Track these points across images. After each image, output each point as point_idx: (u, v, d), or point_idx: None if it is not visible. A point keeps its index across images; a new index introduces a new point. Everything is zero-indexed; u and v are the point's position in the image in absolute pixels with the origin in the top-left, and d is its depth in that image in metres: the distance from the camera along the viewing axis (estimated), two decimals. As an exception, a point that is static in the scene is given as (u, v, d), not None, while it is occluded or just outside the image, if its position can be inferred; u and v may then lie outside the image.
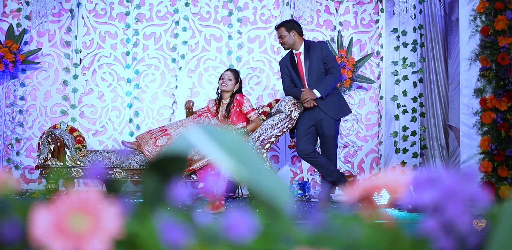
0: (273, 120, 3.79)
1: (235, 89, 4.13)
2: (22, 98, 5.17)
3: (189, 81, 5.34)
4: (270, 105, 4.31)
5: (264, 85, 5.38)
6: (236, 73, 4.19)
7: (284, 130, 3.80)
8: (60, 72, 5.26)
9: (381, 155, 5.37)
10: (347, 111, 4.13)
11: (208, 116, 3.99)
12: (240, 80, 4.23)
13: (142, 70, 5.32)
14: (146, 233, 0.49)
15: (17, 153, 5.10)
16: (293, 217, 0.58)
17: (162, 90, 5.32)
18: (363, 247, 0.54)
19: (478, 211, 0.59)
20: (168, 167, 0.59)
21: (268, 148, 3.80)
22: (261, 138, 3.78)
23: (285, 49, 4.21)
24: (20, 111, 5.15)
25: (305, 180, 5.26)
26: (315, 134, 3.96)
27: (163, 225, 0.49)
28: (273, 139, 3.79)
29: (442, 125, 5.41)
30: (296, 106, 3.82)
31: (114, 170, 3.60)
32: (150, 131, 3.91)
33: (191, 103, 4.19)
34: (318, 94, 3.88)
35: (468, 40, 3.78)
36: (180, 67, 5.32)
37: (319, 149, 4.06)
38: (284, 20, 4.53)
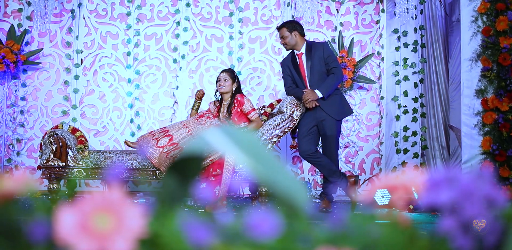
0: (275, 121, 3.79)
1: (234, 88, 4.12)
2: (23, 98, 5.17)
3: (190, 82, 5.35)
4: (271, 105, 4.31)
5: (265, 86, 5.39)
6: (231, 73, 4.18)
7: (286, 130, 3.80)
8: (61, 72, 5.27)
9: (382, 155, 5.37)
10: (349, 111, 4.15)
11: (210, 117, 3.99)
12: (237, 78, 4.21)
13: (143, 70, 5.32)
14: (169, 233, 0.49)
15: (18, 153, 5.10)
16: (311, 217, 0.59)
17: (163, 91, 5.33)
18: (382, 247, 0.55)
19: (494, 211, 0.59)
20: (187, 168, 0.59)
21: (269, 149, 3.80)
22: (262, 138, 3.78)
23: (287, 49, 4.22)
24: (21, 112, 5.15)
25: (306, 180, 5.27)
26: (317, 134, 3.96)
27: (186, 224, 0.50)
28: (274, 139, 3.79)
29: (442, 125, 5.42)
30: (298, 107, 3.82)
31: (116, 170, 3.60)
32: (151, 132, 3.91)
33: (202, 92, 4.18)
34: (319, 95, 3.88)
35: (469, 40, 3.79)
36: (181, 68, 5.32)
37: (321, 149, 4.06)
38: (285, 20, 4.53)
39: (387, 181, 0.66)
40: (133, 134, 5.23)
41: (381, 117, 5.42)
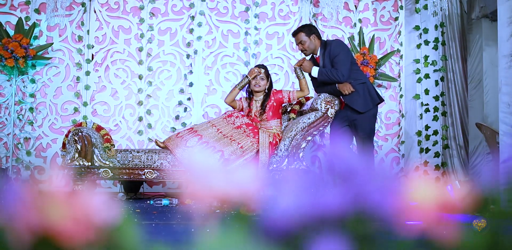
0: (309, 118, 3.65)
1: (266, 87, 4.01)
2: (32, 95, 4.93)
3: (205, 79, 5.17)
4: (299, 103, 4.16)
5: (283, 83, 5.24)
6: (267, 71, 4.05)
7: (321, 128, 3.66)
8: (72, 68, 5.04)
9: (403, 155, 5.27)
10: (376, 100, 3.79)
11: (239, 116, 3.84)
12: (270, 77, 4.10)
13: (157, 66, 5.13)
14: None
15: (27, 153, 4.85)
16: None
17: (178, 88, 5.14)
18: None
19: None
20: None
21: (304, 147, 3.66)
22: (297, 137, 3.64)
23: (306, 55, 3.97)
24: (31, 109, 4.91)
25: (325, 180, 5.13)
26: (350, 133, 3.82)
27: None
28: (309, 138, 3.65)
29: (460, 124, 5.34)
30: (332, 104, 3.68)
31: (145, 170, 3.41)
32: (178, 133, 3.75)
33: (260, 71, 3.95)
34: (314, 70, 3.75)
35: (509, 37, 3.69)
36: (196, 64, 5.14)
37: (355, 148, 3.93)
38: (300, 25, 4.29)
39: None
40: (141, 133, 5.03)
41: (402, 116, 5.31)
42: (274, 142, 3.65)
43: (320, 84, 3.87)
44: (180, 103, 5.10)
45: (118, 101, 5.07)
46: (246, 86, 4.07)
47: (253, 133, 3.65)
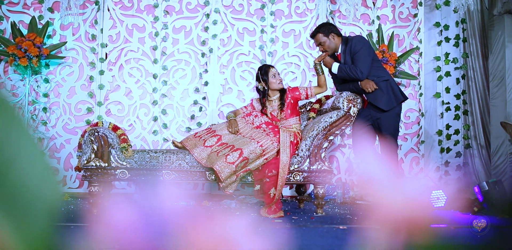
0: (331, 118, 3.53)
1: None
2: (45, 95, 4.86)
3: (221, 77, 5.07)
4: (319, 101, 4.05)
5: (299, 82, 5.13)
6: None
7: (343, 127, 3.55)
8: (85, 67, 4.97)
9: (423, 154, 5.14)
10: (400, 98, 3.66)
11: (258, 116, 3.73)
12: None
13: (172, 65, 5.04)
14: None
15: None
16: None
17: (193, 87, 5.04)
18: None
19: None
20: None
21: (326, 147, 3.54)
22: (318, 136, 3.53)
23: (329, 55, 3.83)
24: (44, 109, 4.84)
25: (343, 180, 5.02)
26: (373, 133, 3.71)
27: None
28: (331, 138, 3.54)
29: (481, 123, 5.20)
30: (354, 102, 3.57)
31: (163, 171, 3.32)
32: (196, 133, 3.65)
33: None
34: (335, 66, 3.64)
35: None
36: (211, 63, 5.05)
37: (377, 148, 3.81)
38: (317, 25, 4.12)
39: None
40: (156, 133, 4.95)
41: (422, 115, 5.18)
42: (295, 141, 3.54)
43: (342, 82, 3.75)
44: (195, 102, 5.01)
45: (133, 101, 4.99)
46: (259, 87, 3.90)
47: (274, 132, 3.55)
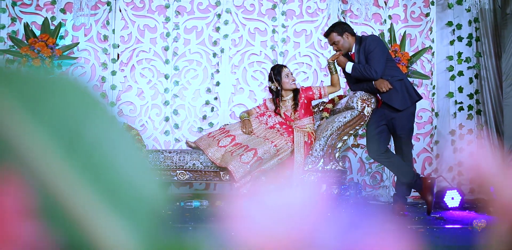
0: (345, 117, 3.52)
1: None
2: (58, 95, 4.88)
3: (232, 78, 5.07)
4: (332, 101, 4.04)
5: (311, 82, 5.12)
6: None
7: (357, 127, 3.54)
8: (97, 68, 4.98)
9: (438, 155, 5.11)
10: (414, 97, 3.64)
11: (271, 116, 3.73)
12: None
13: (183, 66, 5.05)
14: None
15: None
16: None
17: (204, 87, 5.04)
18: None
19: None
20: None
21: (340, 147, 3.53)
22: (332, 136, 3.52)
23: (342, 55, 3.81)
24: (57, 110, 4.86)
25: (355, 181, 5.00)
26: (387, 133, 3.68)
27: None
28: (345, 138, 3.53)
29: (494, 123, 5.17)
30: (369, 102, 3.55)
31: (177, 171, 3.32)
32: (209, 133, 3.65)
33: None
34: (349, 65, 3.62)
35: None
36: (223, 63, 5.05)
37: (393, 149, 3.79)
38: (331, 25, 4.11)
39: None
40: (168, 133, 4.95)
41: (436, 115, 5.15)
42: (309, 141, 3.53)
43: (355, 82, 3.73)
44: (207, 103, 5.02)
45: (144, 101, 5.00)
46: (272, 87, 3.91)
47: (287, 132, 3.54)
